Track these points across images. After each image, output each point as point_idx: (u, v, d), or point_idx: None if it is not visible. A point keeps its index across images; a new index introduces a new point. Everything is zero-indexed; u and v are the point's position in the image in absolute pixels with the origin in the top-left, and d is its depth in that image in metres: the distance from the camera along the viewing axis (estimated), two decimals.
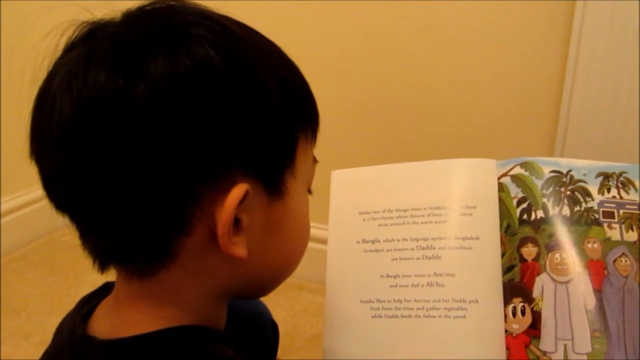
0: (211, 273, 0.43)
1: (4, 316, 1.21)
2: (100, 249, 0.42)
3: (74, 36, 0.40)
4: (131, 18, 0.40)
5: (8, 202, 1.46)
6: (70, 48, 0.40)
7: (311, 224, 0.48)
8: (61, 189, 0.40)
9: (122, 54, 0.37)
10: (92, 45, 0.38)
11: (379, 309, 0.54)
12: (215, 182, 0.39)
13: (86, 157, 0.37)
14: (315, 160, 0.47)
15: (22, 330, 1.17)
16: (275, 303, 0.55)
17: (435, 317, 0.52)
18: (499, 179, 0.56)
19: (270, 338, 0.64)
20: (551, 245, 0.53)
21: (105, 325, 0.44)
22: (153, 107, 0.36)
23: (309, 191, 0.47)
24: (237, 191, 0.39)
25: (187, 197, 0.38)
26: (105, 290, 0.47)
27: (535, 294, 0.51)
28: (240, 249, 0.40)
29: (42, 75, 0.40)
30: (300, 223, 0.46)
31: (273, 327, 0.64)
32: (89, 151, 0.37)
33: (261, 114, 0.40)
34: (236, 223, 0.40)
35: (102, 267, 0.43)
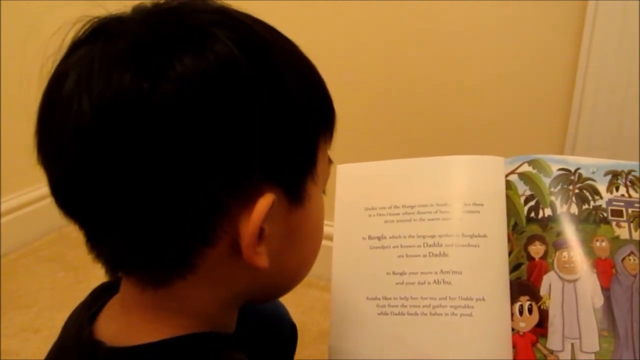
0: (229, 282, 0.42)
1: (14, 310, 1.22)
2: (113, 257, 0.40)
3: (81, 34, 0.38)
4: (149, 16, 0.38)
5: (18, 197, 1.47)
6: (78, 46, 0.38)
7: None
8: (74, 194, 0.38)
9: (145, 54, 0.36)
10: (108, 44, 0.36)
11: (385, 306, 0.54)
12: (241, 192, 0.37)
13: (105, 161, 0.35)
14: (330, 162, 0.46)
15: (32, 325, 1.18)
16: (284, 300, 0.55)
17: (441, 314, 0.52)
18: (506, 176, 0.56)
19: (288, 339, 0.63)
20: (559, 244, 0.52)
21: (112, 329, 0.43)
22: (179, 108, 0.35)
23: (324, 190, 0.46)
24: (265, 202, 0.38)
25: (214, 206, 0.37)
26: (114, 287, 0.46)
27: (543, 292, 0.51)
28: (262, 259, 0.39)
29: (42, 78, 0.38)
30: (316, 226, 0.46)
31: (292, 329, 0.64)
32: (110, 155, 0.35)
33: (286, 115, 0.38)
34: (259, 232, 0.38)
35: (112, 274, 0.42)
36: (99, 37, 0.37)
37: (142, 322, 0.42)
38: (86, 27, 0.38)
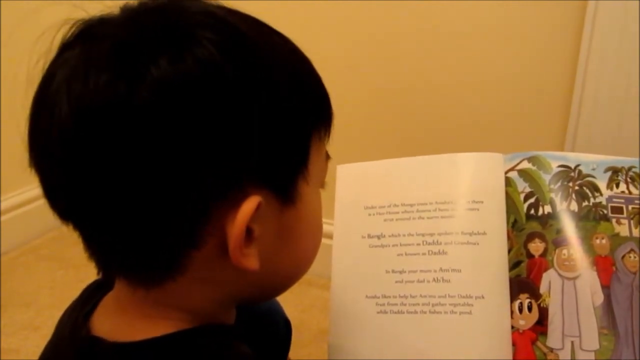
0: (220, 283, 0.41)
1: (14, 309, 1.22)
2: (104, 259, 0.41)
3: (69, 35, 0.38)
4: (133, 16, 0.38)
5: (19, 195, 1.47)
6: (66, 48, 0.38)
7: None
8: (64, 199, 0.38)
9: (123, 56, 0.35)
10: (91, 47, 0.36)
11: (384, 304, 0.53)
12: (226, 194, 0.37)
13: (88, 167, 0.35)
14: (328, 157, 0.45)
15: (32, 323, 1.18)
16: (283, 298, 0.54)
17: (441, 313, 0.51)
18: (506, 173, 0.56)
19: (282, 335, 0.63)
20: (559, 241, 0.52)
21: (107, 327, 0.43)
22: (156, 113, 0.34)
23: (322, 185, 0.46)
24: (249, 205, 0.37)
25: (198, 210, 0.37)
26: (107, 284, 0.46)
27: (542, 290, 0.51)
28: (251, 261, 0.39)
29: (37, 76, 0.38)
30: (312, 225, 0.45)
31: (286, 325, 0.63)
32: (91, 161, 0.35)
33: (273, 117, 0.38)
34: (248, 233, 0.38)
35: (105, 274, 0.42)
36: (86, 39, 0.37)
37: (138, 318, 0.42)
38: (74, 29, 0.38)
